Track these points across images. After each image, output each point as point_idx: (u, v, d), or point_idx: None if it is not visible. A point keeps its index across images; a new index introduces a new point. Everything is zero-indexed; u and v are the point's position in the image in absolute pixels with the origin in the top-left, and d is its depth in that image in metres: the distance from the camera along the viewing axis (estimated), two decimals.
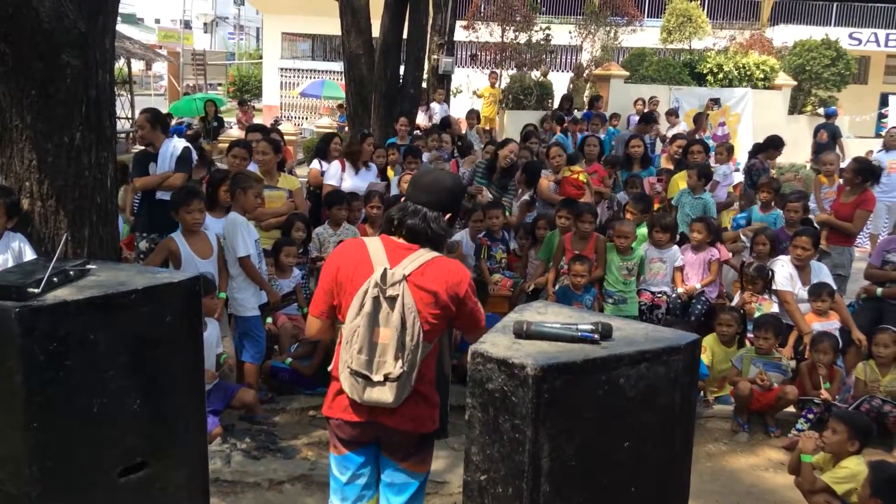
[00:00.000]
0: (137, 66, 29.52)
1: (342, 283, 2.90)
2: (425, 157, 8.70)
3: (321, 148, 8.02)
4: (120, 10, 4.97)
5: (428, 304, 2.83)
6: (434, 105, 14.52)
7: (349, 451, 3.03)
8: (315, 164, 7.93)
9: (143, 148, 6.55)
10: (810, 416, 5.31)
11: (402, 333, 2.78)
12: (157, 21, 53.66)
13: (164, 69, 35.29)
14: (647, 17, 22.70)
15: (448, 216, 3.00)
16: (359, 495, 3.06)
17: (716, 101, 15.26)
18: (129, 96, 21.63)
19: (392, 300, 2.78)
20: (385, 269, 2.81)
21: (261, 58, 31.46)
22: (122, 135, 17.98)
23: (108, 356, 2.60)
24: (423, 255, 2.87)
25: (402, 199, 3.10)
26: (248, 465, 4.46)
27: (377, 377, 2.79)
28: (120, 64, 21.59)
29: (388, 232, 2.97)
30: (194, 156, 6.69)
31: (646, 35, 20.42)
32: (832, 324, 5.91)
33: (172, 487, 2.85)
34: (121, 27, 27.83)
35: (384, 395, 2.80)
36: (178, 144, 6.47)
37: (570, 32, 19.54)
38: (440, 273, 2.86)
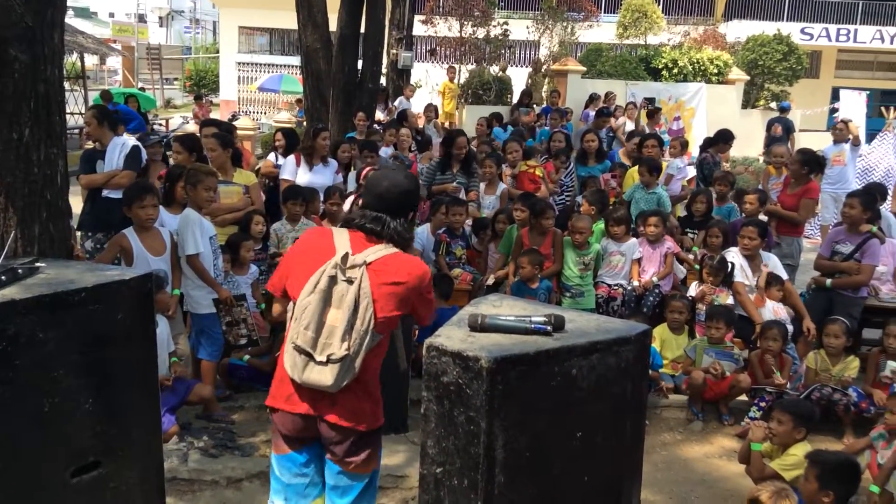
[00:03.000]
0: (91, 60, 28.98)
1: (299, 262, 2.93)
2: (383, 151, 8.69)
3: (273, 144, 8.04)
4: (72, 4, 4.91)
5: (385, 294, 2.84)
6: (401, 99, 14.53)
7: (292, 451, 3.00)
8: (271, 156, 7.90)
9: (93, 145, 6.45)
10: (762, 404, 5.42)
11: (353, 316, 2.77)
12: (111, 15, 52.70)
13: (118, 64, 34.73)
14: (604, 12, 22.92)
15: (410, 215, 3.06)
16: (302, 494, 3.03)
17: (650, 101, 15.57)
18: (82, 91, 21.30)
19: (349, 282, 2.79)
20: (347, 253, 2.83)
21: (217, 52, 31.07)
22: (76, 131, 17.69)
23: (58, 355, 2.57)
24: (385, 248, 2.91)
25: (360, 205, 3.11)
26: (205, 464, 4.43)
27: (320, 357, 2.77)
28: (73, 59, 21.23)
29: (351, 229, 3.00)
30: (144, 154, 6.61)
31: (602, 30, 20.60)
32: (778, 304, 6.05)
33: (126, 487, 2.83)
34: (73, 21, 27.43)
35: (324, 376, 2.77)
36: (127, 142, 6.40)
37: (527, 28, 19.64)
38: (402, 267, 2.89)
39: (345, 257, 2.82)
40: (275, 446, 3.06)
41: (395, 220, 2.95)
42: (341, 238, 2.93)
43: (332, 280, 2.80)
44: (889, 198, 8.81)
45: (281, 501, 3.07)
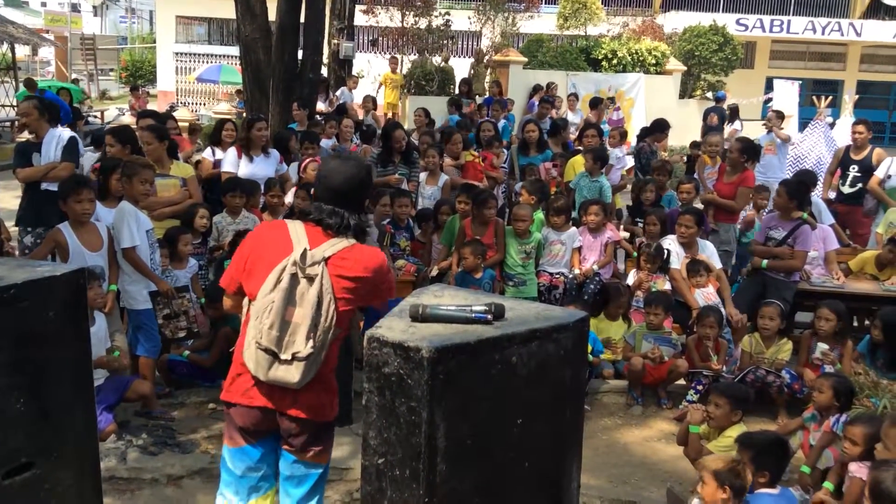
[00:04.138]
0: (22, 51, 28.08)
1: (256, 259, 2.90)
2: (324, 143, 8.62)
3: (215, 136, 7.85)
4: None
5: (345, 289, 2.84)
6: (343, 90, 14.42)
7: (246, 444, 2.98)
8: (207, 152, 7.74)
9: (27, 137, 6.26)
10: (699, 387, 5.55)
11: (317, 314, 2.77)
12: (44, 4, 51.07)
13: (51, 54, 33.72)
14: (544, 3, 23.04)
15: (366, 203, 3.06)
16: (255, 486, 3.02)
17: (612, 100, 15.76)
18: (13, 83, 20.68)
19: (310, 280, 2.78)
20: (305, 249, 2.81)
21: (154, 42, 30.40)
22: (6, 123, 17.17)
23: None
24: (343, 241, 2.90)
25: (314, 197, 3.05)
26: (144, 462, 4.36)
27: (285, 355, 2.76)
28: (3, 49, 20.61)
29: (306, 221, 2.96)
30: (81, 146, 6.46)
31: (543, 21, 20.75)
32: (709, 290, 6.20)
33: (61, 487, 2.78)
34: (4, 10, 26.55)
35: (290, 374, 2.77)
36: (63, 134, 6.26)
37: (469, 18, 19.66)
38: (359, 261, 2.89)
39: (303, 254, 2.79)
40: (228, 439, 3.03)
41: (353, 213, 2.94)
42: (297, 231, 2.90)
43: (294, 278, 2.77)
44: (819, 185, 9.06)
45: (231, 494, 3.04)
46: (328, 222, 2.90)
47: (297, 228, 2.92)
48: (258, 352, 2.77)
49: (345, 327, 2.95)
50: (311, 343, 2.76)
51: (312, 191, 3.07)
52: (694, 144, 12.42)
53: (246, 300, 2.93)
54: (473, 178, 8.11)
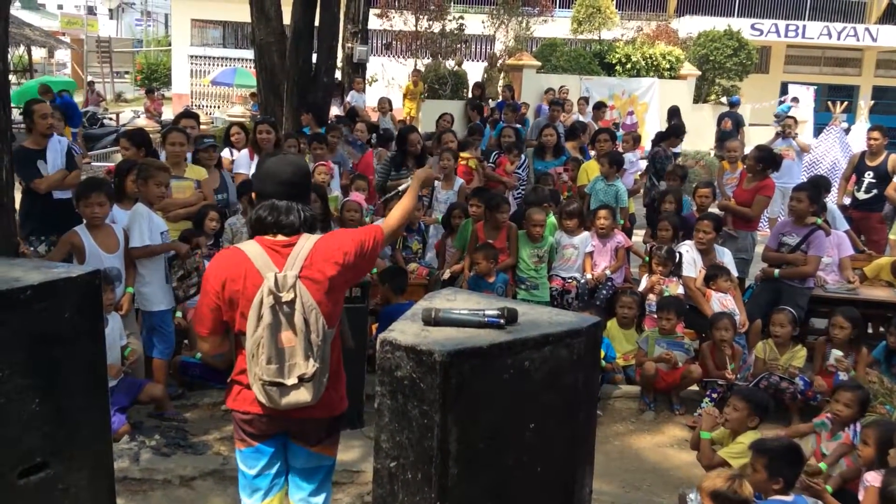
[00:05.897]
0: (39, 53, 28.33)
1: (232, 298, 2.85)
2: None
3: (227, 139, 7.94)
4: None
5: (325, 291, 2.84)
6: (353, 93, 14.46)
7: (259, 444, 2.99)
8: (225, 152, 7.80)
9: (20, 145, 6.22)
10: (714, 395, 5.51)
11: (308, 333, 2.77)
12: (60, 7, 51.47)
13: (67, 57, 33.97)
14: (558, 7, 23.05)
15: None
16: (270, 485, 3.03)
17: (616, 125, 15.71)
18: None
19: (290, 304, 2.76)
20: (275, 276, 2.77)
21: (169, 45, 30.58)
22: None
23: (3, 354, 2.51)
24: (304, 245, 2.86)
25: (259, 197, 2.96)
26: (157, 463, 4.38)
27: (291, 381, 2.77)
28: (20, 51, 20.77)
29: (260, 233, 2.90)
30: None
31: (557, 25, 20.75)
32: (726, 297, 6.16)
33: (75, 488, 2.78)
34: (20, 13, 26.72)
35: (301, 395, 2.79)
36: (63, 141, 6.40)
37: (483, 22, 19.69)
38: (327, 255, 2.86)
39: (276, 282, 2.76)
40: (239, 442, 3.05)
41: (304, 204, 2.92)
42: (258, 255, 2.84)
43: (274, 309, 2.75)
44: (833, 190, 9.00)
45: (247, 497, 3.06)
46: (285, 223, 2.85)
47: (256, 252, 2.85)
48: (265, 388, 2.79)
49: (336, 324, 2.95)
50: (311, 361, 2.77)
51: (253, 195, 3.01)
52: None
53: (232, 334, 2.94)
54: (464, 180, 8.07)
